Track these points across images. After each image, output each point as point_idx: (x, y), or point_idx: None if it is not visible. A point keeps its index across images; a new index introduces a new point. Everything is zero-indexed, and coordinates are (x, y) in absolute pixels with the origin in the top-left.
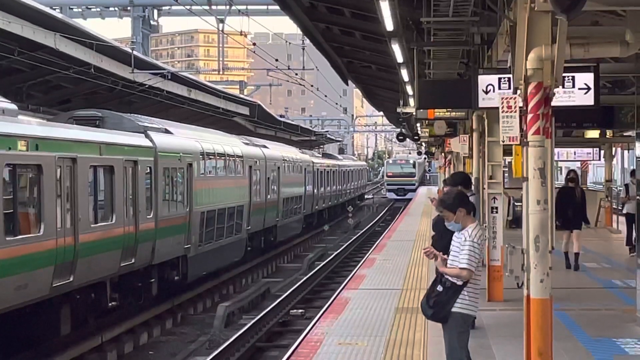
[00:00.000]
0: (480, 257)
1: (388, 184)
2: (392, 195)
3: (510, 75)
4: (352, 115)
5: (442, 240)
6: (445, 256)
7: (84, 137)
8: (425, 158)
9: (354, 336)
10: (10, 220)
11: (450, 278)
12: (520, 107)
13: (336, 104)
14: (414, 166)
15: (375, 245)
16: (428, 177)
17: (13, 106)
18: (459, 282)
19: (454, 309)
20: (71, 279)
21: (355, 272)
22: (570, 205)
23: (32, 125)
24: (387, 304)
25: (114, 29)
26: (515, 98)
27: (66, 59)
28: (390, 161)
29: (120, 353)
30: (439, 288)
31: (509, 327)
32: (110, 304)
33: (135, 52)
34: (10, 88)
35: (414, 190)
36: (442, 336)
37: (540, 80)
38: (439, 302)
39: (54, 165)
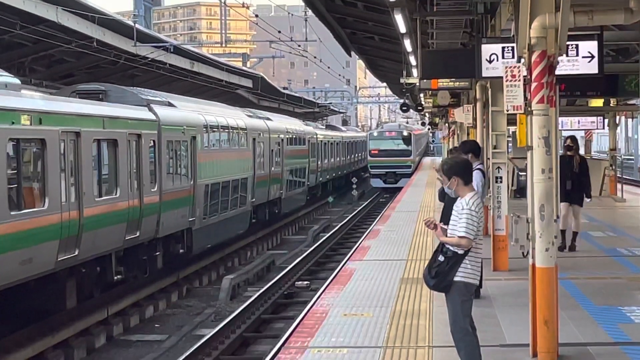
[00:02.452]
0: (478, 225)
1: (372, 167)
2: (379, 184)
3: (514, 44)
4: (355, 86)
5: (447, 210)
6: (446, 226)
7: (87, 111)
8: (428, 129)
9: (360, 307)
10: (15, 195)
11: (451, 247)
12: (524, 76)
13: (339, 75)
14: (409, 139)
15: (379, 217)
16: (432, 148)
17: (16, 80)
18: (460, 252)
19: (456, 278)
20: (76, 253)
21: (360, 244)
22: (569, 177)
23: (35, 100)
24: (392, 274)
25: (116, 2)
26: (519, 67)
27: (68, 32)
28: (375, 133)
29: (126, 326)
30: (441, 258)
31: (514, 296)
32: (115, 278)
33: (137, 26)
34: (12, 62)
35: (410, 175)
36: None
37: (544, 49)
38: (440, 272)
39: (57, 140)
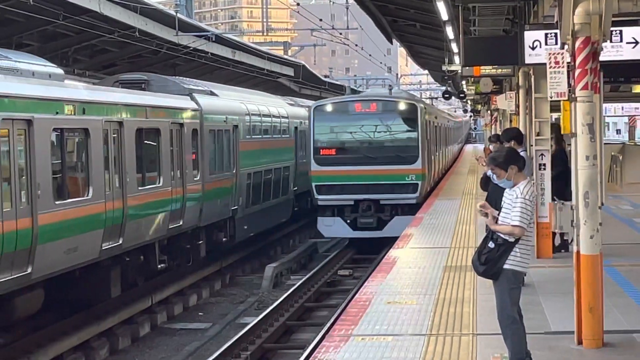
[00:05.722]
0: (532, 213)
1: (320, 188)
2: (338, 229)
3: (557, 31)
4: (397, 74)
5: (492, 198)
6: (496, 213)
7: (130, 100)
8: (470, 116)
9: (403, 295)
10: (59, 185)
11: (502, 235)
12: (567, 63)
13: (380, 63)
14: (413, 120)
15: (422, 205)
16: (474, 136)
17: (59, 71)
18: (511, 239)
19: (505, 266)
20: (120, 242)
21: (402, 231)
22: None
23: (78, 90)
24: (436, 262)
25: None
26: (562, 53)
27: (111, 22)
28: (329, 106)
29: (170, 315)
30: (491, 244)
31: (558, 283)
32: (159, 266)
33: (179, 15)
34: (56, 53)
35: (416, 209)
36: (492, 294)
37: (588, 35)
38: (490, 258)
39: (101, 129)
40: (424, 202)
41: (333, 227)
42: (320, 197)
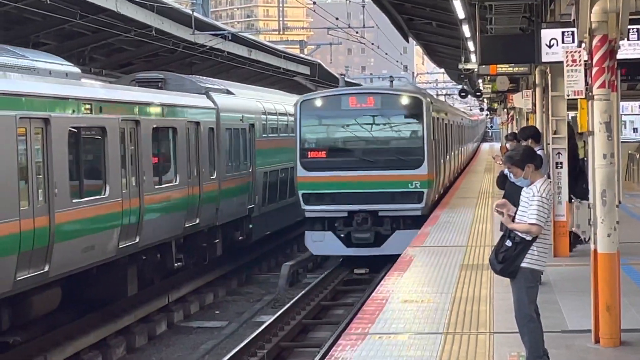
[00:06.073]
0: (549, 212)
1: (307, 197)
2: (329, 246)
3: (574, 29)
4: (413, 72)
5: (509, 196)
6: (513, 211)
7: (146, 99)
8: (486, 115)
9: (420, 293)
10: (76, 183)
11: (519, 233)
12: (585, 61)
13: (397, 61)
14: (419, 115)
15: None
16: (490, 134)
17: (76, 69)
18: (528, 238)
19: (523, 264)
20: (137, 240)
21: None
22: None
23: (95, 88)
24: (452, 260)
25: None
26: (580, 51)
27: (127, 21)
28: (318, 100)
29: (187, 313)
30: (508, 243)
31: (575, 282)
32: (175, 265)
33: (195, 14)
34: (73, 52)
35: (421, 221)
36: (509, 292)
37: (605, 33)
38: (507, 257)
39: (117, 128)
40: (430, 213)
41: (323, 243)
42: (308, 207)
